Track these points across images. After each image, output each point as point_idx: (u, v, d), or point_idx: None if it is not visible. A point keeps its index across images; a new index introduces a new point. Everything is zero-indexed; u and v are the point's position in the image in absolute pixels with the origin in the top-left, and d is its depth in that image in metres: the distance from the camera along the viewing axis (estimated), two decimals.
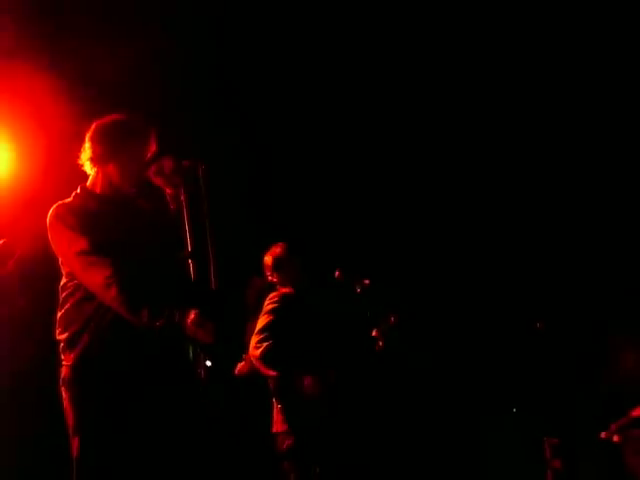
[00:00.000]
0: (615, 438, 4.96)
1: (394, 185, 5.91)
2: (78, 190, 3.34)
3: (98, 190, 3.32)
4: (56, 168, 4.18)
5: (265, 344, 4.50)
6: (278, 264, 4.77)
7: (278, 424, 4.58)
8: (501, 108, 5.76)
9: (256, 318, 4.63)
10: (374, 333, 4.72)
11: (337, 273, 4.70)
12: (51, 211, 3.25)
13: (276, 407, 4.62)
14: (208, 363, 3.35)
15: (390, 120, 5.77)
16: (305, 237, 5.06)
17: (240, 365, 4.76)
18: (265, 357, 4.48)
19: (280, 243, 4.83)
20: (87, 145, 3.30)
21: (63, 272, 3.30)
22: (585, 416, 5.16)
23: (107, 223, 3.22)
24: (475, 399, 5.79)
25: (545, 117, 5.75)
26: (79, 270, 3.18)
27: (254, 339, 4.56)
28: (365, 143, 5.79)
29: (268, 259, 4.81)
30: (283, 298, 4.70)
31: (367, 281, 4.67)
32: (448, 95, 5.73)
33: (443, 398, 5.81)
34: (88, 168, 3.33)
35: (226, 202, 3.36)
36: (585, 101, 5.64)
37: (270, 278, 4.82)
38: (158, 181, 3.26)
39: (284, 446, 4.51)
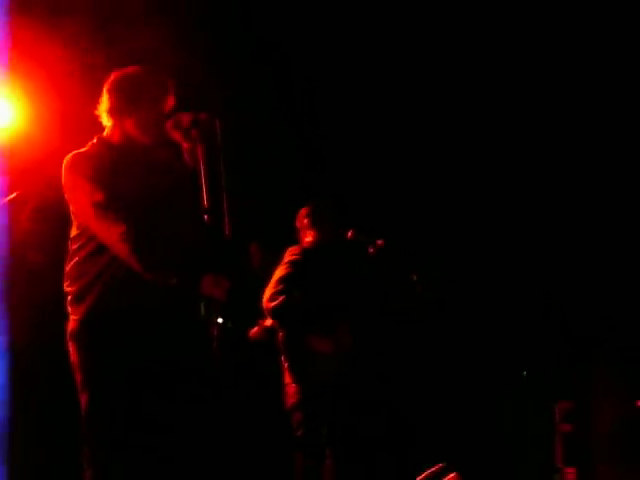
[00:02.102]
0: None
1: (418, 156, 5.92)
2: (95, 140, 3.30)
3: (115, 141, 3.28)
4: (73, 119, 4.15)
5: (280, 298, 4.46)
6: (315, 210, 4.76)
7: (287, 375, 4.58)
8: (524, 91, 5.78)
9: (266, 282, 4.59)
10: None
11: (350, 233, 4.66)
12: (66, 160, 3.21)
13: (284, 362, 4.61)
14: (220, 320, 3.36)
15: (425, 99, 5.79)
16: (323, 197, 5.01)
17: (254, 330, 4.73)
18: (279, 311, 4.45)
19: (313, 202, 4.83)
20: (105, 96, 3.26)
21: (75, 223, 3.26)
22: (600, 380, 5.17)
23: (124, 174, 3.18)
24: (486, 362, 5.79)
25: (558, 105, 5.76)
26: (93, 222, 3.14)
27: (269, 290, 4.52)
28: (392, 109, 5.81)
29: (305, 208, 4.79)
30: (304, 252, 4.67)
31: (380, 242, 4.63)
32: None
33: (453, 360, 5.83)
34: (105, 119, 3.29)
35: (245, 157, 3.34)
36: (586, 99, 5.65)
37: (300, 225, 4.80)
38: (175, 135, 3.23)
39: (293, 400, 4.51)
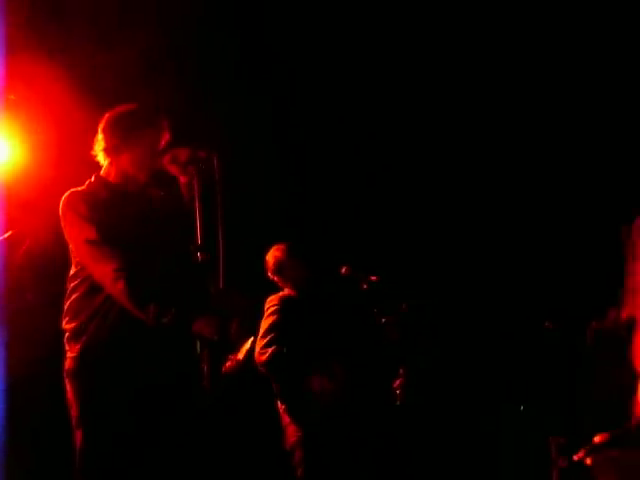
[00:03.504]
0: (587, 461, 4.95)
1: (404, 181, 5.89)
2: (92, 179, 3.33)
3: (112, 179, 3.31)
4: (69, 160, 4.19)
5: (270, 350, 4.49)
6: (278, 267, 4.74)
7: (286, 417, 4.57)
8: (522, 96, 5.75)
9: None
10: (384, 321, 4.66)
11: (344, 269, 4.66)
12: (63, 198, 3.25)
13: (281, 406, 4.61)
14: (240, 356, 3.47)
15: (397, 118, 5.77)
16: (316, 233, 5.02)
17: (227, 364, 4.60)
18: (271, 364, 4.47)
19: (281, 244, 4.80)
20: (100, 136, 3.30)
21: (73, 261, 3.29)
22: (591, 415, 5.15)
23: (119, 212, 3.21)
24: (481, 396, 5.75)
25: (559, 105, 5.72)
26: (88, 260, 3.18)
27: (259, 343, 4.54)
28: (379, 140, 5.80)
29: (269, 260, 4.79)
30: (283, 300, 4.69)
31: (374, 277, 4.63)
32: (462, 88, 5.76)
33: (448, 394, 5.77)
34: (102, 159, 3.33)
35: (241, 195, 3.33)
36: (587, 97, 5.61)
37: (272, 278, 4.81)
38: (172, 169, 3.26)
39: (293, 438, 4.50)
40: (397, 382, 4.65)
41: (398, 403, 4.63)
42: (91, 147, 3.33)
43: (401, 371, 4.65)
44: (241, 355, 4.58)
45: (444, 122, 5.76)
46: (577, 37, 5.42)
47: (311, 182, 5.69)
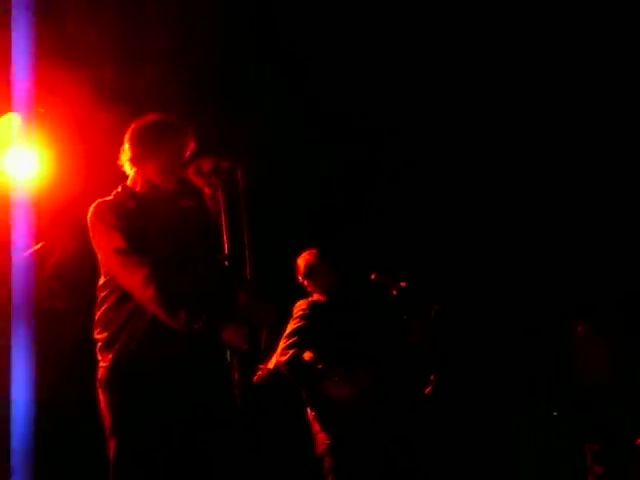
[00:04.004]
0: None
1: (427, 184, 5.91)
2: (119, 189, 3.34)
3: (138, 189, 3.32)
4: (97, 171, 4.20)
5: (292, 351, 4.49)
6: (309, 271, 4.74)
7: (316, 423, 4.55)
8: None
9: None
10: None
11: (373, 276, 4.64)
12: (91, 208, 3.25)
13: (311, 412, 4.59)
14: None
15: (424, 119, 5.79)
16: (344, 240, 5.00)
17: (258, 374, 4.66)
18: (291, 364, 4.47)
19: (312, 249, 4.80)
20: (126, 146, 3.31)
21: (102, 271, 3.29)
22: (627, 421, 5.08)
23: (147, 221, 3.21)
24: (513, 402, 5.70)
25: (568, 103, 5.74)
26: (117, 268, 3.17)
27: (281, 344, 4.55)
28: (401, 144, 5.81)
29: (300, 264, 4.79)
30: (312, 305, 4.69)
31: (404, 283, 4.61)
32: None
33: (479, 401, 5.74)
34: (128, 169, 3.33)
35: (265, 204, 3.33)
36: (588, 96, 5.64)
37: (301, 282, 4.81)
38: (197, 181, 3.25)
39: (323, 446, 4.48)
40: (428, 389, 4.61)
41: (428, 410, 4.58)
42: (118, 158, 3.35)
43: (432, 377, 4.60)
44: (272, 365, 4.60)
45: (472, 125, 5.79)
46: (577, 38, 5.46)
47: (336, 188, 5.68)
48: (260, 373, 4.64)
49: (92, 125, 4.60)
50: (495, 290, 5.80)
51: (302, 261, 4.78)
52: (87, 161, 4.65)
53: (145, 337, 3.15)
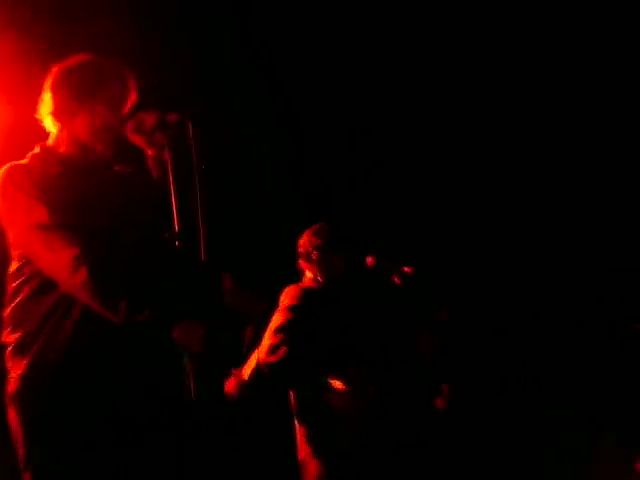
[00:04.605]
0: None
1: (440, 175, 5.62)
2: (37, 150, 2.89)
3: (62, 150, 2.88)
4: (6, 126, 3.78)
5: (281, 351, 3.82)
6: (328, 245, 4.03)
7: (303, 448, 3.91)
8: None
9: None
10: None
11: (370, 260, 3.98)
12: (1, 174, 2.79)
13: (299, 430, 3.95)
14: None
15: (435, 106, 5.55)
16: (328, 216, 4.43)
17: (230, 384, 4.04)
18: (278, 368, 3.82)
19: (324, 224, 4.11)
20: (47, 95, 2.86)
21: (14, 254, 2.83)
22: None
23: (75, 190, 2.78)
24: (554, 413, 5.30)
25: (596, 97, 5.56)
26: (37, 248, 2.73)
27: (267, 341, 3.89)
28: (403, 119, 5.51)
29: (304, 242, 4.10)
30: (303, 294, 4.01)
31: (408, 268, 3.96)
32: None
33: (517, 411, 5.33)
34: (49, 124, 2.88)
35: (225, 167, 2.92)
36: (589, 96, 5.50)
37: (302, 263, 4.13)
38: (137, 140, 2.80)
39: (314, 474, 3.85)
40: (439, 401, 4.01)
41: (441, 424, 4.02)
42: (35, 111, 2.89)
43: (444, 389, 4.02)
44: (246, 374, 3.99)
45: (477, 121, 5.63)
46: (577, 38, 5.33)
47: (323, 156, 5.24)
48: (232, 381, 4.02)
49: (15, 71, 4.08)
50: (514, 290, 5.58)
51: (319, 231, 4.09)
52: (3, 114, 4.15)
53: (71, 337, 2.70)
